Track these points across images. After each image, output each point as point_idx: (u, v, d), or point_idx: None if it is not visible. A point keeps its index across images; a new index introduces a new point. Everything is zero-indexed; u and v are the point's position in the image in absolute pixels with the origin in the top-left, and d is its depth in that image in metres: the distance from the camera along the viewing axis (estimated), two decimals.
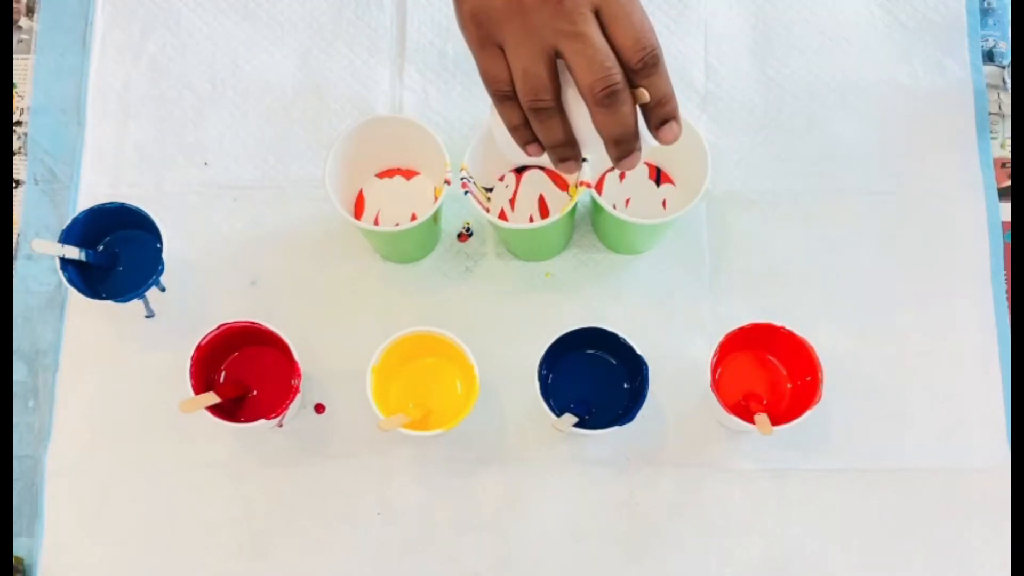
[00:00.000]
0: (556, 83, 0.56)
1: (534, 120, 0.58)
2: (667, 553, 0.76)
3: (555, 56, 0.56)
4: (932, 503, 0.76)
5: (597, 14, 0.54)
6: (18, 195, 0.82)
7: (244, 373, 0.76)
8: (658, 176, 0.81)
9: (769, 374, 0.76)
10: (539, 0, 0.54)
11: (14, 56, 0.85)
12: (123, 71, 0.85)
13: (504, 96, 0.57)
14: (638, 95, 0.56)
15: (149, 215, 0.75)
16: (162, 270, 0.75)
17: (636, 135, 0.58)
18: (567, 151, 0.60)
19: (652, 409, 0.72)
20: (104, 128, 0.84)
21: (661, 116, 0.57)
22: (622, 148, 0.58)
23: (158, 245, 0.75)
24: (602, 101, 0.55)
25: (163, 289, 0.79)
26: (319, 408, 0.78)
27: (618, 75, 0.54)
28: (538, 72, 0.55)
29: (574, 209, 0.73)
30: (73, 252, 0.73)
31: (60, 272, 0.73)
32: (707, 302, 0.79)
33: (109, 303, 0.74)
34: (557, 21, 0.53)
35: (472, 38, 0.57)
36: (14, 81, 0.85)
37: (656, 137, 0.58)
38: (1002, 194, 0.82)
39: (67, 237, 0.73)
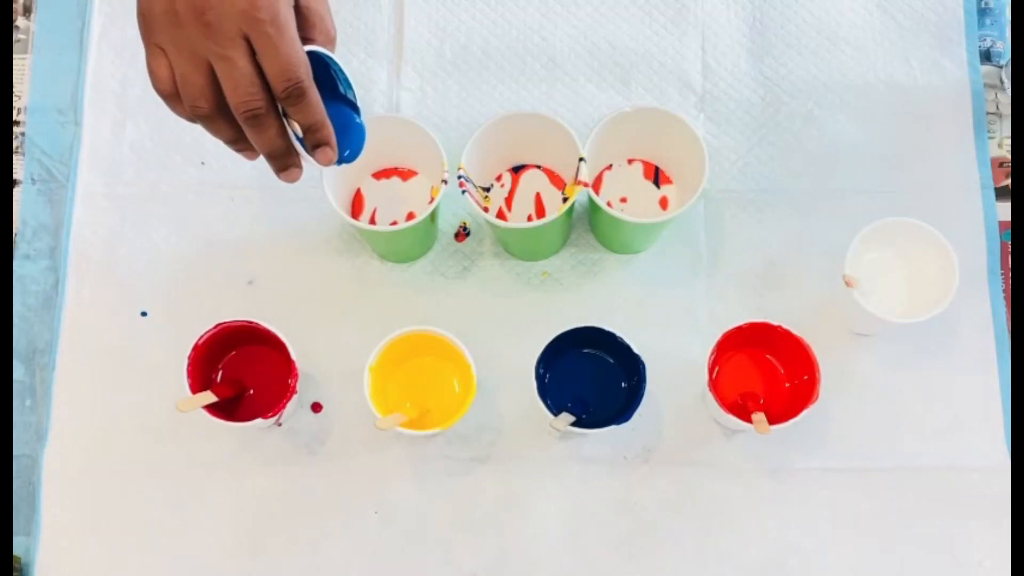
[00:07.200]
0: (214, 91, 0.57)
1: (246, 128, 0.59)
2: (664, 552, 0.75)
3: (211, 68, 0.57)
4: (929, 502, 0.76)
5: (248, 40, 0.56)
6: (15, 194, 0.82)
7: (241, 372, 0.76)
8: (656, 176, 0.81)
9: (766, 373, 0.76)
10: (190, 17, 0.55)
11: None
12: (120, 71, 0.85)
13: (166, 95, 0.58)
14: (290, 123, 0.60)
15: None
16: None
17: (287, 153, 0.60)
18: (284, 160, 0.61)
19: (649, 408, 0.72)
20: (101, 127, 0.84)
21: (313, 141, 0.61)
22: (275, 163, 0.61)
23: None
24: (247, 121, 0.57)
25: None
26: (316, 407, 0.78)
27: (259, 100, 0.57)
28: (195, 80, 0.57)
29: (571, 208, 0.73)
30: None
31: None
32: (704, 301, 0.80)
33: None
34: (207, 41, 0.55)
35: (141, 36, 0.59)
36: None
37: (314, 159, 0.62)
38: (999, 193, 0.82)
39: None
